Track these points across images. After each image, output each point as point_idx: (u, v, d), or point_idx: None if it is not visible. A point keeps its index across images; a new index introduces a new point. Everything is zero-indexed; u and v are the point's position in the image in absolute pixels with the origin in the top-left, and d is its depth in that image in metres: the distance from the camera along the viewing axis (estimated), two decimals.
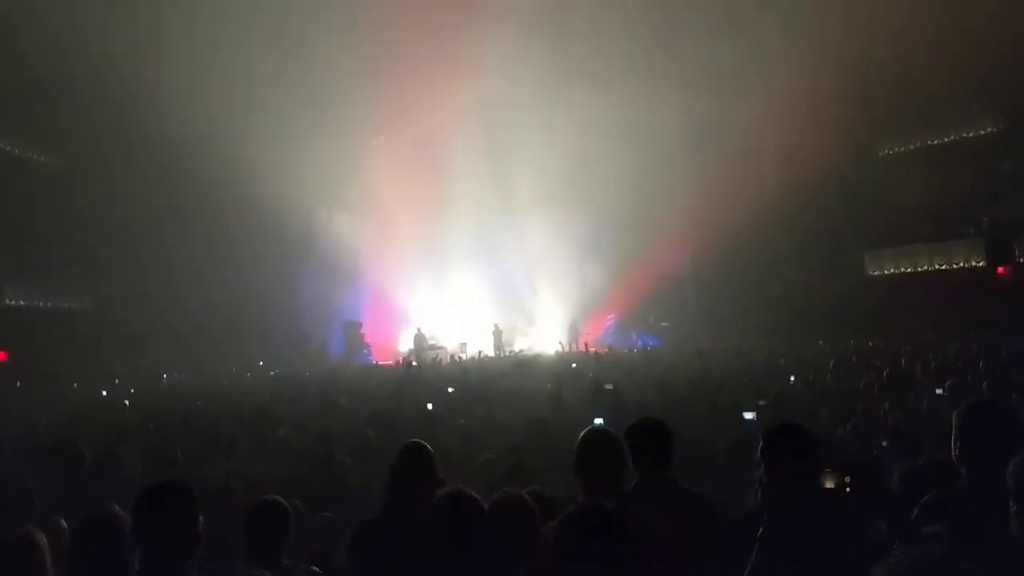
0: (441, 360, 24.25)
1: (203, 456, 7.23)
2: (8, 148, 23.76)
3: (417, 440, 3.88)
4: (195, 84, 21.41)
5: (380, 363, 25.20)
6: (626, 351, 24.65)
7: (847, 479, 2.74)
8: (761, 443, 3.30)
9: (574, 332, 27.58)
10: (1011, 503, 2.60)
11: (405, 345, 28.57)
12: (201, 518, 3.01)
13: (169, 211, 24.15)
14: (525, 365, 19.46)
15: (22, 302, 24.24)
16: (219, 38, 21.56)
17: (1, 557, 3.40)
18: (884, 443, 5.69)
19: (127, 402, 13.74)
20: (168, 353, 22.56)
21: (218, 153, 22.16)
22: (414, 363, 21.59)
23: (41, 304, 24.92)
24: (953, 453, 3.13)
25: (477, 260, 28.59)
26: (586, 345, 24.15)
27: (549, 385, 13.02)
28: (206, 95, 21.62)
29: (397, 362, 24.34)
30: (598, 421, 6.60)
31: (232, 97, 22.29)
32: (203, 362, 22.46)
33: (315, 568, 3.65)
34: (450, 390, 13.30)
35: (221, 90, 22.11)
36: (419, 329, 27.95)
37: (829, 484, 2.76)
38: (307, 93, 24.18)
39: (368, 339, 27.88)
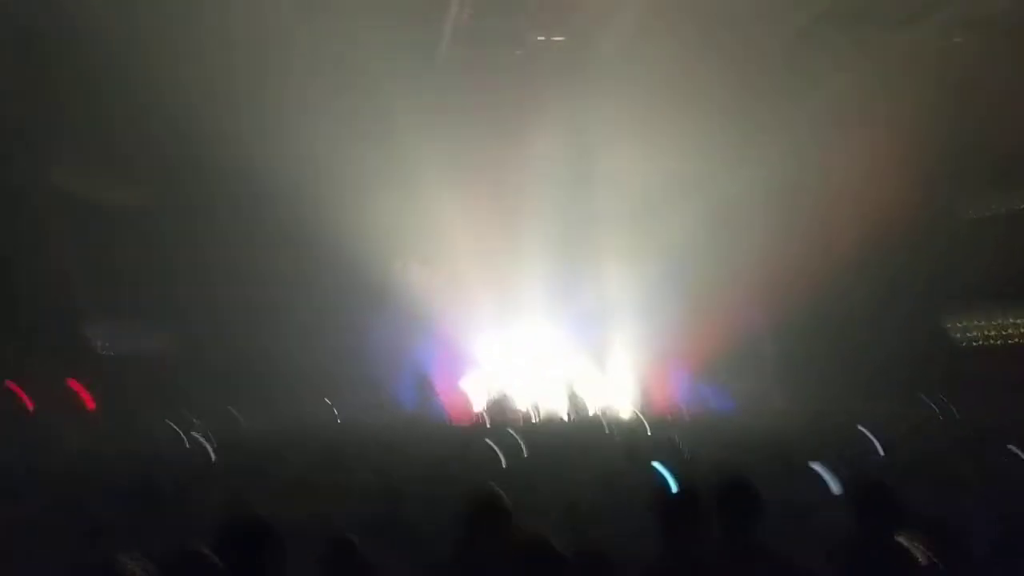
0: (514, 421, 23.98)
1: (278, 499, 7.33)
2: (88, 189, 24.55)
3: (493, 488, 3.89)
4: (277, 130, 22.04)
5: (453, 419, 25.12)
6: (697, 412, 24.20)
7: (927, 551, 2.67)
8: (848, 500, 3.28)
9: (645, 396, 27.20)
10: None
11: (480, 403, 28.44)
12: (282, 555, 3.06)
13: (249, 256, 24.76)
14: (598, 430, 19.06)
15: (108, 345, 24.97)
16: (304, 88, 22.25)
17: None
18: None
19: (208, 445, 14.00)
20: (246, 396, 22.96)
21: (298, 200, 22.82)
22: (487, 424, 21.45)
23: (126, 348, 25.64)
24: None
25: (552, 317, 28.52)
26: (671, 411, 23.52)
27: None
28: (287, 142, 22.28)
29: (470, 419, 24.25)
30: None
31: (313, 144, 22.90)
32: (279, 406, 22.79)
33: None
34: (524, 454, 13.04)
35: (302, 137, 22.73)
36: (504, 392, 27.92)
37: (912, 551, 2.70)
38: (389, 149, 24.72)
39: (440, 392, 27.88)
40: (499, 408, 26.66)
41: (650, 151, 24.35)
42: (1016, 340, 24.21)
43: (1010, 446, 7.97)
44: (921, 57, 21.97)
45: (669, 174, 24.50)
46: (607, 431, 17.74)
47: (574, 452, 12.17)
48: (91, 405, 22.35)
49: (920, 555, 2.70)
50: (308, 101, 22.45)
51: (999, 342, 24.49)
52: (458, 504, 4.08)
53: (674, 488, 3.68)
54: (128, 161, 24.25)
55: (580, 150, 25.82)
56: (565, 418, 26.08)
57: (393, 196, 25.11)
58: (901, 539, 2.70)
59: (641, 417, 24.85)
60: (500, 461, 10.93)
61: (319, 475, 8.60)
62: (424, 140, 24.60)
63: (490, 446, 12.59)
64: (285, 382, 24.29)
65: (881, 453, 10.70)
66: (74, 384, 22.34)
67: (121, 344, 25.65)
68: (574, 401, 27.45)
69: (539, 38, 25.90)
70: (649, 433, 18.07)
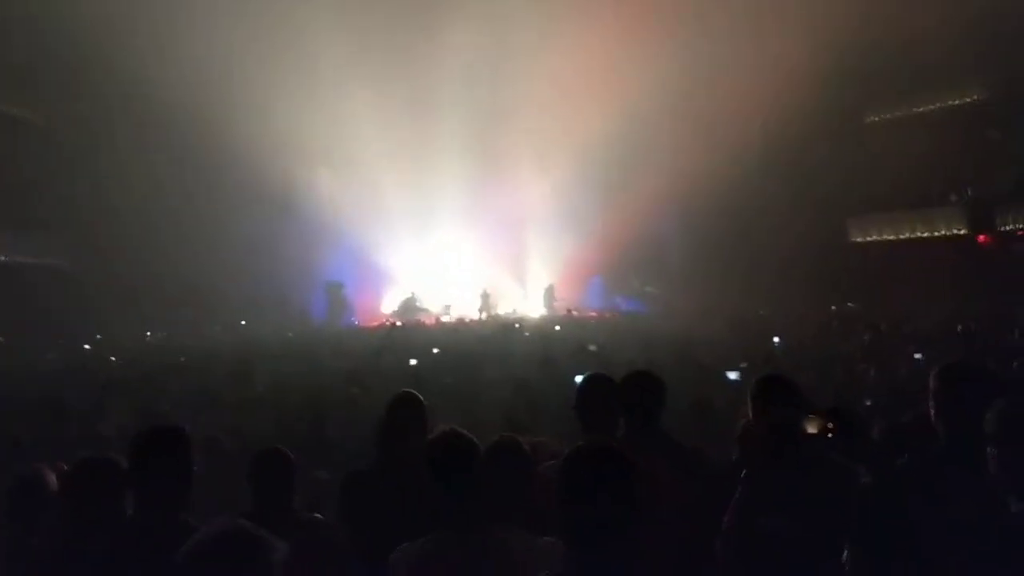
0: (425, 322, 24.21)
1: (189, 411, 7.23)
2: None
3: (409, 390, 3.88)
4: (173, 36, 21.08)
5: (364, 324, 25.11)
6: (609, 315, 24.74)
7: (830, 425, 2.78)
8: (751, 392, 3.38)
9: (549, 297, 27.58)
10: (988, 448, 2.69)
11: (390, 307, 28.44)
12: (194, 463, 3.04)
13: (150, 169, 23.85)
14: (510, 328, 19.47)
15: (4, 257, 23.98)
16: None
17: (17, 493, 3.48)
18: (867, 403, 5.76)
19: (113, 357, 13.70)
20: (151, 311, 22.43)
21: (197, 108, 21.79)
22: (398, 324, 21.56)
23: (26, 260, 24.66)
24: (931, 413, 3.20)
25: (463, 222, 28.35)
26: (568, 310, 24.07)
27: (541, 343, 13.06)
28: (184, 47, 21.28)
29: (382, 324, 24.25)
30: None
31: (211, 49, 21.88)
32: (186, 321, 22.36)
33: (318, 515, 3.59)
34: (435, 351, 13.36)
35: (199, 42, 21.70)
36: (412, 293, 27.88)
37: (812, 429, 2.81)
38: (289, 48, 23.81)
39: (352, 301, 27.71)
40: (410, 310, 26.79)
41: (566, 51, 24.06)
42: (914, 243, 25.10)
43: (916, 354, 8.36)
44: None
45: (583, 75, 24.27)
46: (521, 332, 18.04)
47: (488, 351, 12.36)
48: None
49: (816, 428, 2.81)
50: (206, 1, 21.43)
51: (900, 246, 25.35)
52: (374, 407, 4.09)
53: (582, 378, 3.74)
54: (29, 78, 23.00)
55: (495, 47, 25.27)
56: (477, 316, 26.41)
57: (298, 98, 24.35)
58: (803, 422, 2.81)
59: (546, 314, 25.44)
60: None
61: (226, 389, 8.50)
62: (330, 36, 23.69)
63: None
64: (194, 297, 23.82)
65: (784, 352, 11.11)
66: None
67: (22, 256, 24.64)
68: (486, 302, 27.72)
69: None
70: (558, 329, 18.48)
